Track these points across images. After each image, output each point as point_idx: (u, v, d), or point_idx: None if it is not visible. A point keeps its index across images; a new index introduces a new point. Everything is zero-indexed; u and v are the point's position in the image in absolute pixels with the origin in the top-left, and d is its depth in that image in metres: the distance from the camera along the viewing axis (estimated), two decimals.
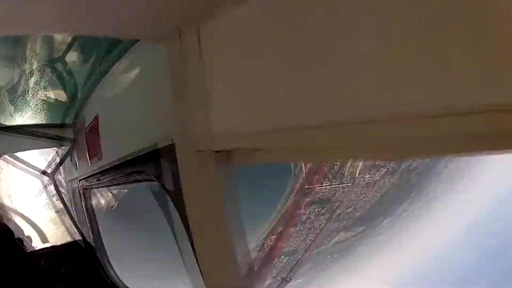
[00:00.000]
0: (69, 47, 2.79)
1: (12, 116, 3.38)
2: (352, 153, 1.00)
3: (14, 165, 3.77)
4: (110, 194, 3.42)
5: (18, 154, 3.65)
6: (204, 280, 1.45)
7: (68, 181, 3.66)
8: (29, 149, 3.53)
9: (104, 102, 2.53)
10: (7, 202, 3.92)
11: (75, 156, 3.51)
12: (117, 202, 3.55)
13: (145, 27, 1.26)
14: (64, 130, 3.53)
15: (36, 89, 3.19)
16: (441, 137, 0.66)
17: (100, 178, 2.75)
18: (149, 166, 1.78)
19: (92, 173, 2.89)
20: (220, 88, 1.18)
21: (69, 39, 2.64)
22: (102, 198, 3.49)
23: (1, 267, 1.38)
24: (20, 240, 3.07)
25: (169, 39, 1.29)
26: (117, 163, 2.18)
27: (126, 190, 3.16)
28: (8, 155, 3.59)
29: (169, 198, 1.67)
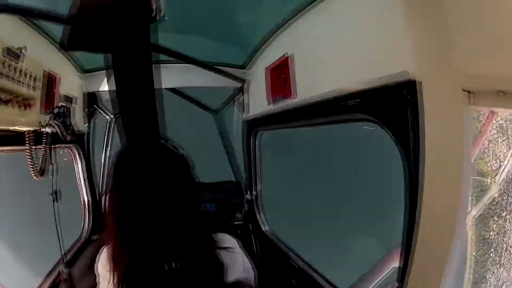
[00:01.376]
0: None
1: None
2: None
3: (181, 100, 3.92)
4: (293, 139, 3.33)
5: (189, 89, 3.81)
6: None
7: (244, 121, 3.75)
8: (203, 85, 3.60)
9: (302, 38, 2.36)
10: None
11: (248, 96, 3.58)
12: (298, 147, 3.49)
13: None
14: (236, 70, 3.55)
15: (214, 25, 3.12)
16: None
17: (284, 118, 2.71)
18: (364, 105, 1.62)
19: (272, 113, 2.87)
20: (465, 26, 1.06)
21: None
22: (276, 141, 3.47)
23: (173, 197, 1.34)
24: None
25: None
26: (319, 100, 2.06)
27: (321, 133, 2.99)
28: (179, 89, 3.73)
29: (395, 144, 1.43)
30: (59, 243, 2.28)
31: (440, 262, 1.16)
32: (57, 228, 2.24)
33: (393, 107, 1.39)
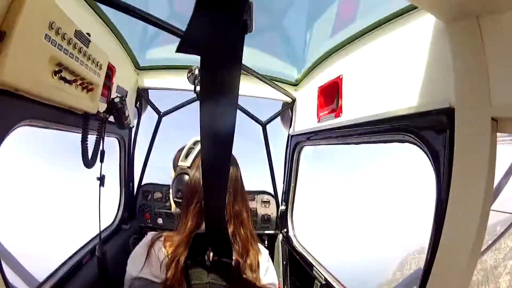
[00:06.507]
0: None
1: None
2: None
3: None
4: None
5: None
6: None
7: (290, 135, 3.83)
8: (257, 96, 3.70)
9: (352, 62, 2.46)
10: None
11: (296, 112, 3.67)
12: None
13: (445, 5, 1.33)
14: (288, 86, 3.67)
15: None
16: None
17: (329, 135, 2.78)
18: (407, 127, 1.72)
19: (319, 129, 2.92)
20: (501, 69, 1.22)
21: None
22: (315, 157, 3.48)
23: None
24: None
25: (455, 20, 1.38)
26: (366, 121, 2.15)
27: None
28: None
29: (431, 164, 1.54)
30: (99, 225, 2.34)
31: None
32: (99, 211, 2.33)
33: (433, 130, 1.51)
